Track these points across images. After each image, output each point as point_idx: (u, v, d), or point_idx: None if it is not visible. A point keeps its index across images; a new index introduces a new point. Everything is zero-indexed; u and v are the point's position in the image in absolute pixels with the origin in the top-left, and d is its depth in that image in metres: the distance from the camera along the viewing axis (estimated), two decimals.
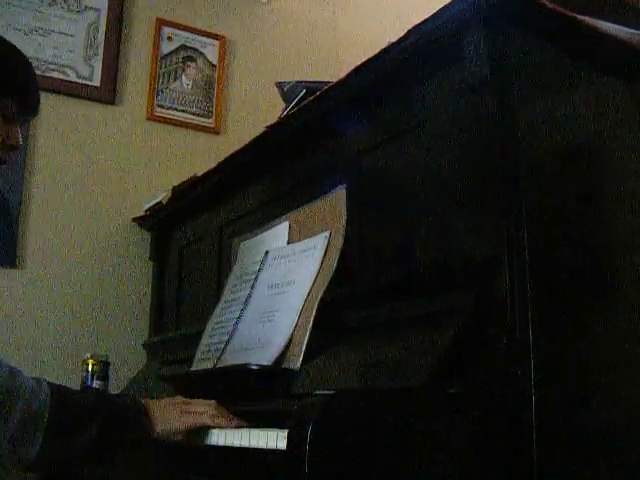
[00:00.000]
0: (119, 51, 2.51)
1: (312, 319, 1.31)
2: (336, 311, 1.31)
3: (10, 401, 0.99)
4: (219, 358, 1.51)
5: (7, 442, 0.98)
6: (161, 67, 2.58)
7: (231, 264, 1.76)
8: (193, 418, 1.11)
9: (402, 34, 1.24)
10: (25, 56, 1.24)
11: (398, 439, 0.89)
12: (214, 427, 1.10)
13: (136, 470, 1.35)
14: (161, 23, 2.61)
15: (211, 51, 2.68)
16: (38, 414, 1.01)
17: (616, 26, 1.24)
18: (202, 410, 1.12)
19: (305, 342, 1.30)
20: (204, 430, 1.12)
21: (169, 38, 2.62)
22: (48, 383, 1.06)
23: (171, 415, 1.11)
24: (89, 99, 2.42)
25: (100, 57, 2.46)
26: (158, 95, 2.55)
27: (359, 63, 1.34)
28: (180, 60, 2.62)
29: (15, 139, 1.20)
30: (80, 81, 2.41)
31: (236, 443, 1.02)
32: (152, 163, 2.48)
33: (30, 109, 1.24)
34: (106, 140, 2.44)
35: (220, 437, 1.07)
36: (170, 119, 2.55)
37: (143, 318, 2.36)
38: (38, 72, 2.31)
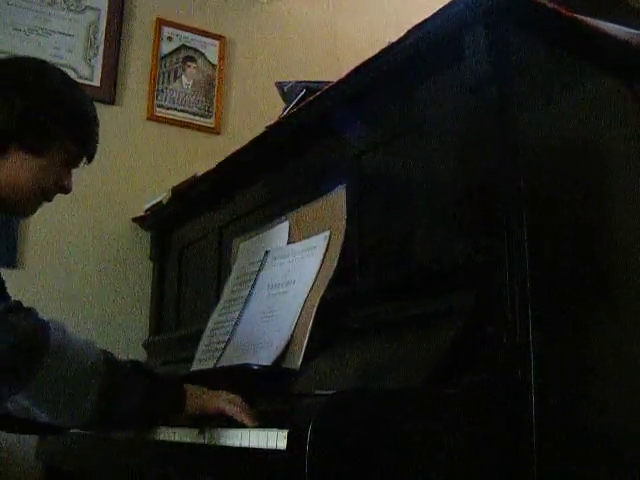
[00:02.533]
0: (119, 51, 2.51)
1: (312, 319, 1.31)
2: (336, 311, 1.31)
3: (71, 353, 1.04)
4: (219, 358, 1.51)
5: (69, 393, 1.02)
6: (161, 67, 2.58)
7: (231, 264, 1.76)
8: (225, 405, 1.13)
9: (402, 34, 1.24)
10: (94, 105, 1.31)
11: (398, 439, 0.89)
12: (237, 419, 1.11)
13: (137, 470, 1.35)
14: (161, 23, 2.61)
15: (211, 51, 2.68)
16: (95, 369, 1.05)
17: (616, 26, 1.24)
18: (230, 397, 1.14)
19: (305, 342, 1.30)
20: (204, 430, 1.12)
21: (169, 38, 2.62)
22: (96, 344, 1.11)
23: (205, 397, 1.15)
24: None
25: (100, 57, 2.46)
26: (158, 95, 2.55)
27: (359, 63, 1.34)
28: (180, 60, 2.62)
29: (68, 183, 1.28)
30: (80, 81, 2.40)
31: (236, 443, 1.02)
32: (152, 163, 2.48)
33: (89, 157, 1.31)
34: (106, 140, 2.42)
35: (220, 437, 1.07)
36: (170, 119, 2.55)
37: (143, 318, 2.36)
38: None
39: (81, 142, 1.26)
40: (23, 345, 1.01)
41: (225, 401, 1.13)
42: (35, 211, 1.29)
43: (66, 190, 1.28)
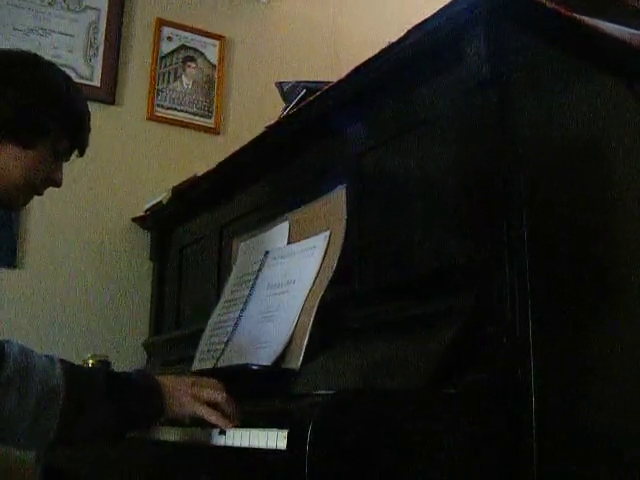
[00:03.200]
0: (119, 51, 2.51)
1: (312, 319, 1.31)
2: (336, 311, 1.31)
3: (27, 380, 0.98)
4: (219, 358, 1.51)
5: (27, 421, 0.97)
6: (161, 67, 2.58)
7: (231, 264, 1.76)
8: (203, 410, 1.09)
9: (402, 34, 1.24)
10: (86, 99, 1.29)
11: (398, 439, 0.89)
12: (216, 426, 1.09)
13: (136, 470, 1.35)
14: (161, 23, 2.61)
15: (211, 51, 2.68)
16: (54, 390, 0.99)
17: (616, 26, 1.24)
18: (212, 397, 1.10)
19: (305, 342, 1.30)
20: (205, 430, 1.12)
21: (169, 38, 2.62)
22: (59, 359, 1.05)
23: (184, 400, 1.09)
24: (89, 99, 2.39)
25: (100, 57, 2.46)
26: (158, 95, 2.55)
27: (359, 63, 1.34)
28: (180, 60, 2.62)
29: (58, 176, 1.26)
30: (80, 81, 2.40)
31: (236, 443, 1.02)
32: (152, 163, 2.48)
33: (80, 150, 1.30)
34: (106, 140, 2.43)
35: (220, 437, 1.07)
36: (170, 119, 2.55)
37: (143, 318, 2.36)
38: None
39: (72, 135, 1.25)
40: None
41: (203, 404, 1.09)
42: (25, 204, 1.26)
43: (57, 184, 1.27)
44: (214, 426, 1.09)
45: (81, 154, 1.31)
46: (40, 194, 1.27)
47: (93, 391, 1.03)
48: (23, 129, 1.17)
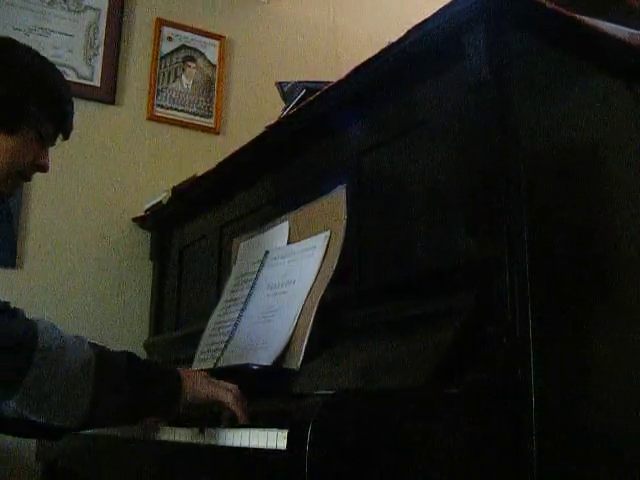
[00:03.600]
0: (119, 51, 2.51)
1: (312, 319, 1.31)
2: (336, 311, 1.31)
3: (61, 354, 1.01)
4: (219, 358, 1.51)
5: (61, 393, 0.99)
6: (161, 67, 2.58)
7: (231, 264, 1.76)
8: (219, 391, 1.12)
9: (402, 34, 1.24)
10: (67, 83, 1.29)
11: (398, 439, 0.89)
12: (232, 410, 1.11)
13: (137, 470, 1.35)
14: (161, 23, 2.61)
15: (211, 51, 2.68)
16: (87, 365, 1.03)
17: (616, 26, 1.24)
18: (230, 387, 1.14)
19: (305, 342, 1.30)
20: (204, 430, 1.12)
21: (169, 38, 2.62)
22: (88, 340, 1.08)
23: (200, 383, 1.13)
24: (89, 99, 2.42)
25: (100, 57, 2.46)
26: (158, 95, 2.55)
27: (359, 63, 1.34)
28: (180, 60, 2.62)
29: (45, 161, 1.25)
30: (80, 81, 2.41)
31: (236, 443, 1.02)
32: (152, 163, 2.48)
33: (65, 133, 1.29)
34: (106, 140, 2.44)
35: (220, 437, 1.07)
36: (170, 119, 2.55)
37: (143, 318, 2.36)
38: None
39: (55, 118, 1.24)
40: (10, 347, 0.98)
41: (222, 389, 1.12)
42: (13, 191, 1.26)
43: (43, 168, 1.26)
44: (220, 421, 1.10)
45: (65, 138, 1.30)
46: (28, 180, 1.26)
47: (120, 370, 1.07)
48: (4, 114, 1.16)
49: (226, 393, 1.12)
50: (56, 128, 1.26)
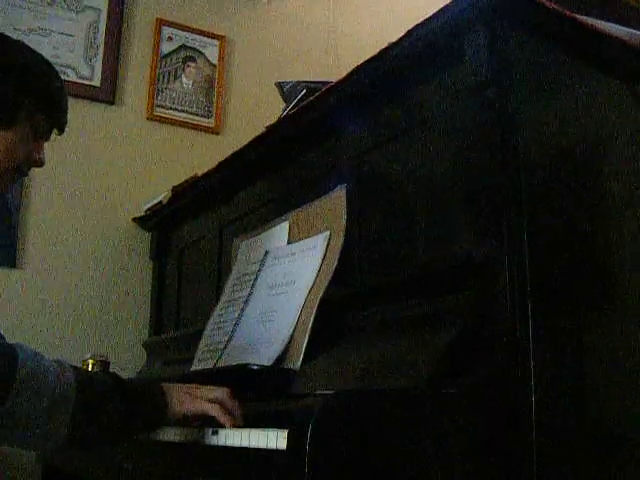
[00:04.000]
0: (119, 51, 2.51)
1: (312, 319, 1.31)
2: (336, 311, 1.31)
3: (40, 382, 0.99)
4: (219, 358, 1.51)
5: (40, 422, 0.98)
6: (161, 67, 2.58)
7: (231, 264, 1.76)
8: (203, 406, 1.10)
9: (402, 34, 1.24)
10: (60, 77, 1.28)
11: (398, 439, 0.89)
12: (219, 421, 1.09)
13: (136, 470, 1.35)
14: (161, 23, 2.61)
15: (211, 51, 2.68)
16: (66, 393, 1.01)
17: (616, 26, 1.24)
18: (214, 397, 1.11)
19: (305, 342, 1.30)
20: (204, 430, 1.12)
21: (169, 38, 2.62)
22: (69, 365, 1.06)
23: (185, 398, 1.11)
24: (89, 99, 2.42)
25: (100, 57, 2.46)
26: (158, 95, 2.55)
27: (359, 63, 1.34)
28: (180, 60, 2.62)
29: (40, 156, 1.24)
30: (80, 81, 2.41)
31: (236, 443, 1.02)
32: (152, 163, 2.48)
33: (60, 127, 1.28)
34: (106, 140, 2.44)
35: (220, 437, 1.07)
36: (170, 119, 2.55)
37: (143, 318, 2.36)
38: None
39: (48, 112, 1.23)
40: None
41: (206, 401, 1.10)
42: (8, 187, 1.25)
43: (40, 163, 1.25)
44: (216, 424, 1.09)
45: (60, 132, 1.29)
46: (25, 175, 1.25)
47: (102, 393, 1.05)
48: None
49: (211, 406, 1.09)
50: (51, 122, 1.25)
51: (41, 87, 1.22)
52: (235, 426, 1.08)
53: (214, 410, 1.08)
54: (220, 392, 1.12)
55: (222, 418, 1.08)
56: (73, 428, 1.01)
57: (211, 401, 1.10)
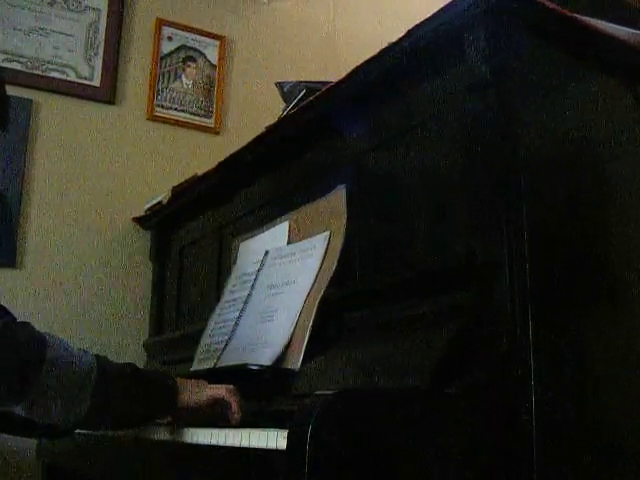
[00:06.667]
0: (119, 51, 2.51)
1: (312, 319, 1.31)
2: (336, 311, 1.31)
3: (68, 364, 1.09)
4: (219, 358, 1.51)
5: (64, 399, 1.07)
6: (161, 67, 2.58)
7: (231, 264, 1.76)
8: (216, 391, 1.19)
9: (402, 34, 1.24)
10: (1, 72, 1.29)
11: (398, 439, 0.89)
12: (232, 405, 1.16)
13: (136, 469, 1.35)
14: (161, 23, 2.61)
15: (211, 51, 2.68)
16: (87, 376, 1.10)
17: (616, 26, 1.24)
18: (221, 390, 1.20)
19: (305, 342, 1.30)
20: (204, 430, 1.12)
21: (169, 38, 2.62)
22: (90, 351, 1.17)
23: (195, 389, 1.20)
24: (89, 99, 2.42)
25: (100, 57, 2.46)
26: (158, 95, 2.55)
27: (359, 63, 1.34)
28: (180, 60, 2.62)
29: None
30: (80, 81, 2.41)
31: (236, 443, 1.02)
32: (152, 163, 2.48)
33: (1, 124, 1.30)
34: (106, 140, 2.44)
35: (220, 437, 1.07)
36: (170, 119, 2.56)
37: (143, 318, 2.36)
38: (38, 72, 2.32)
39: None
40: (21, 360, 1.05)
41: (223, 389, 1.19)
42: None
43: None
44: (220, 424, 1.11)
45: (3, 129, 1.30)
46: None
47: (119, 378, 1.14)
48: None
49: (220, 389, 1.19)
50: None
51: None
52: (237, 415, 1.15)
53: (226, 393, 1.18)
54: (226, 388, 1.20)
55: (232, 400, 1.16)
56: (92, 408, 1.09)
57: (226, 390, 1.19)
